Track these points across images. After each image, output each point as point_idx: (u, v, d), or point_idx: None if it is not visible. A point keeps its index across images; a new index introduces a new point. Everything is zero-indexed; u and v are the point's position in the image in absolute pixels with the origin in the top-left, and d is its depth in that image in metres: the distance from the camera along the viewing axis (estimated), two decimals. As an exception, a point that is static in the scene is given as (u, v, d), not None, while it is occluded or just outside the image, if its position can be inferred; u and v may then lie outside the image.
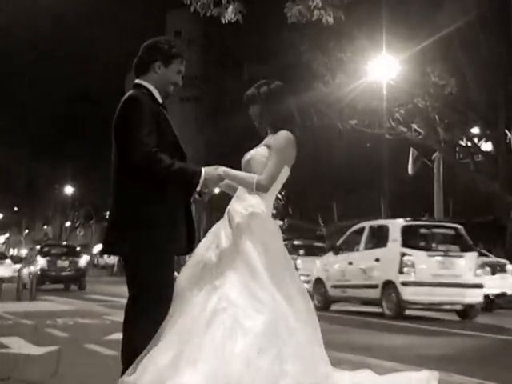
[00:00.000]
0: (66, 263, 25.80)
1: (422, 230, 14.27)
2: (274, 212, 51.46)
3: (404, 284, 13.07)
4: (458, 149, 25.64)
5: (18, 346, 7.70)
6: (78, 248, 30.41)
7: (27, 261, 27.32)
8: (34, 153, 56.52)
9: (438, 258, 13.36)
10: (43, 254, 26.29)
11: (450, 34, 21.10)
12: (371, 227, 15.05)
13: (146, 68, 3.95)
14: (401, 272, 13.15)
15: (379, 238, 14.43)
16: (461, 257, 13.56)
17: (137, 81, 3.98)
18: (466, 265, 13.57)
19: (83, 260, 26.83)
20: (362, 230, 15.25)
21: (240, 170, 4.01)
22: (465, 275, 13.46)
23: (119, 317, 11.50)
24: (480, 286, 13.65)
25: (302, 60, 23.24)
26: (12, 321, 11.13)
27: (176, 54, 3.95)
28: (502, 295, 17.16)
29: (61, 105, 58.05)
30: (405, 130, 23.89)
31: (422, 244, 13.86)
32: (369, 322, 12.70)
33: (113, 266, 52.14)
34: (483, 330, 11.38)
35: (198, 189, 3.73)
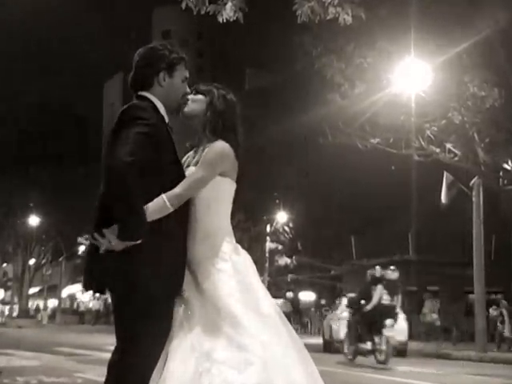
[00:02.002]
0: None
1: None
2: (281, 248, 51.65)
3: None
4: (501, 173, 25.60)
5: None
6: None
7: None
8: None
9: None
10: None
11: (491, 37, 21.18)
12: None
13: (148, 82, 4.03)
14: None
15: None
16: None
17: (141, 93, 4.04)
18: None
19: None
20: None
21: None
22: None
23: (94, 374, 11.43)
24: None
25: (315, 67, 23.32)
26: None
27: (178, 58, 4.06)
28: None
29: (23, 120, 58.31)
30: (437, 150, 23.91)
31: None
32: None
33: (82, 314, 51.96)
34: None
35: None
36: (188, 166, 4.19)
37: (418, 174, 23.85)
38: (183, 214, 3.98)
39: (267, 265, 46.08)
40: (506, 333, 27.57)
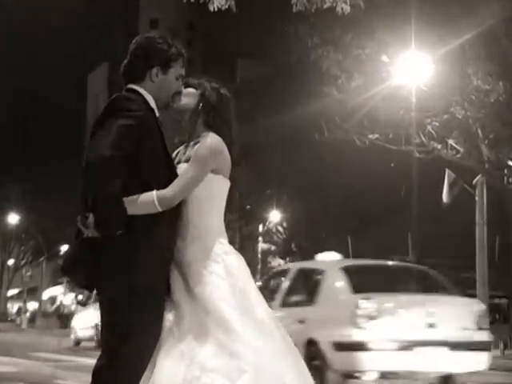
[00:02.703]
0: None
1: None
2: (274, 249, 51.61)
3: None
4: (506, 171, 25.64)
5: None
6: None
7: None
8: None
9: None
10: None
11: (496, 27, 21.21)
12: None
13: (140, 76, 4.04)
14: None
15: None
16: None
17: (131, 86, 4.06)
18: None
19: None
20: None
21: None
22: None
23: (76, 381, 11.40)
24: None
25: (310, 58, 23.33)
26: None
27: (176, 55, 4.08)
28: None
29: (2, 113, 58.16)
30: (439, 146, 23.94)
31: None
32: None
33: (64, 317, 51.67)
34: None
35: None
36: (179, 162, 4.17)
37: (419, 171, 23.81)
38: (170, 211, 3.99)
39: (259, 266, 46.10)
40: None
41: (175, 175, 4.02)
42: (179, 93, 4.15)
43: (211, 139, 4.10)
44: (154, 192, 3.88)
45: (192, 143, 4.19)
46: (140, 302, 3.77)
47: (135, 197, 3.86)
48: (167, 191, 3.91)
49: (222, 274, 3.99)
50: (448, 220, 29.32)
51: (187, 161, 4.11)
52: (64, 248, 54.57)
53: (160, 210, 3.87)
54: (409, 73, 22.31)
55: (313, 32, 22.71)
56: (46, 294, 67.68)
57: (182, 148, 4.30)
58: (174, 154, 4.28)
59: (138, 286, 3.78)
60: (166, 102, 4.10)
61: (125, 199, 3.84)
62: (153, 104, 4.03)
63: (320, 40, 22.82)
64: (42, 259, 64.72)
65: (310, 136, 26.07)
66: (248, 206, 41.73)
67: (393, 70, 22.52)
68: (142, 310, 3.77)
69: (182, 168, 4.09)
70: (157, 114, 4.04)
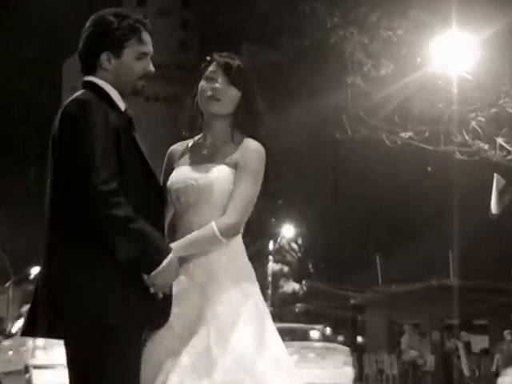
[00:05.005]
0: None
1: None
2: (287, 270, 51.49)
3: None
4: None
5: None
6: None
7: None
8: None
9: None
10: None
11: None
12: None
13: (91, 66, 3.99)
14: None
15: None
16: None
17: (87, 78, 4.02)
18: None
19: None
20: None
21: None
22: None
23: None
24: None
25: (330, 42, 23.35)
26: None
27: (127, 30, 3.95)
28: None
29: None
30: (485, 146, 23.91)
31: None
32: None
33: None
34: None
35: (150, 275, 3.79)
36: (192, 163, 4.23)
37: (461, 176, 23.85)
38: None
39: (269, 291, 46.06)
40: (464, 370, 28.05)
41: (159, 195, 4.04)
42: (148, 73, 4.04)
43: (258, 146, 4.21)
44: (213, 223, 4.03)
45: (218, 144, 4.26)
46: (122, 347, 3.80)
47: (188, 237, 4.04)
48: (228, 218, 4.08)
49: (258, 297, 4.18)
50: (497, 234, 29.27)
51: (209, 160, 4.20)
52: (35, 271, 54.69)
53: (224, 242, 4.05)
54: (449, 58, 22.30)
55: (333, 10, 22.76)
56: (16, 326, 67.56)
57: (190, 143, 4.36)
58: (176, 147, 4.39)
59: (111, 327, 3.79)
60: (132, 89, 4.02)
61: (179, 243, 4.01)
62: (119, 101, 3.97)
63: (341, 20, 22.85)
64: (7, 284, 64.75)
65: (329, 135, 26.17)
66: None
67: (429, 55, 22.50)
68: (123, 355, 3.81)
69: (220, 169, 4.16)
70: (122, 108, 3.98)
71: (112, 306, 3.76)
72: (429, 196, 29.26)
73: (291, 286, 50.07)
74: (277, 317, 43.51)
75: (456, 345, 29.38)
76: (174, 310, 3.99)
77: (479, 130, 23.71)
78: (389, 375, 32.56)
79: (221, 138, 4.26)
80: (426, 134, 23.70)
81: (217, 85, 4.20)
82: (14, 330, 24.27)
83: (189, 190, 4.13)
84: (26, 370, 19.43)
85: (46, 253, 3.86)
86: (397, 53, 22.58)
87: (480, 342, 33.44)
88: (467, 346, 30.31)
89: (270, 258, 48.64)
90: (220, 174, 4.14)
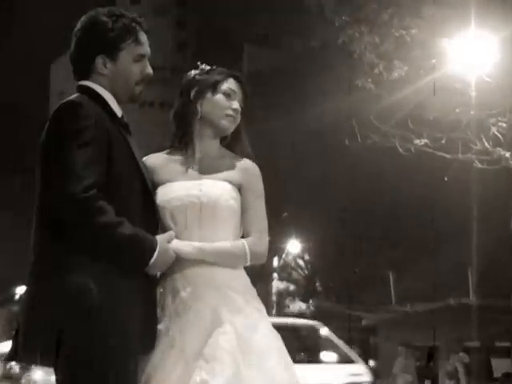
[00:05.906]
0: None
1: None
2: (293, 289, 51.57)
3: None
4: None
5: None
6: None
7: None
8: None
9: None
10: None
11: None
12: None
13: (85, 70, 4.01)
14: None
15: None
16: None
17: (82, 83, 4.03)
18: None
19: None
20: None
21: None
22: None
23: None
24: None
25: (338, 42, 23.38)
26: None
27: (124, 31, 3.97)
28: None
29: None
30: (507, 154, 23.86)
31: None
32: None
33: None
34: None
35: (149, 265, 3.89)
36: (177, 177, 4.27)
37: (481, 186, 23.80)
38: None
39: (274, 311, 46.12)
40: None
41: (151, 204, 4.04)
42: (147, 76, 4.08)
43: (257, 169, 4.43)
44: (245, 243, 4.24)
45: (210, 161, 4.34)
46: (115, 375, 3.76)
47: (218, 245, 4.18)
48: (258, 247, 4.30)
49: (264, 313, 4.32)
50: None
51: (203, 172, 4.28)
52: (20, 290, 54.88)
53: (247, 264, 4.29)
54: (467, 59, 22.29)
55: (341, 8, 22.79)
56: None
57: (180, 158, 4.36)
58: (163, 154, 4.39)
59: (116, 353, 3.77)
60: (129, 96, 4.04)
61: (208, 245, 4.14)
62: (112, 102, 3.96)
63: (351, 18, 22.86)
64: (-8, 305, 65.06)
65: (337, 142, 26.19)
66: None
67: (446, 56, 22.49)
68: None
69: (223, 186, 4.25)
70: (119, 114, 3.98)
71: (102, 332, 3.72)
72: (445, 208, 29.30)
73: (297, 306, 50.16)
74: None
75: (455, 366, 29.40)
76: (185, 334, 4.06)
77: (500, 137, 23.68)
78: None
79: (210, 154, 4.34)
80: (443, 141, 23.68)
81: (237, 105, 4.37)
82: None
83: (189, 209, 4.17)
84: None
85: (31, 274, 3.85)
86: (410, 54, 22.62)
87: (502, 366, 33.37)
88: (467, 367, 30.30)
89: (275, 275, 48.73)
90: (224, 191, 4.23)
